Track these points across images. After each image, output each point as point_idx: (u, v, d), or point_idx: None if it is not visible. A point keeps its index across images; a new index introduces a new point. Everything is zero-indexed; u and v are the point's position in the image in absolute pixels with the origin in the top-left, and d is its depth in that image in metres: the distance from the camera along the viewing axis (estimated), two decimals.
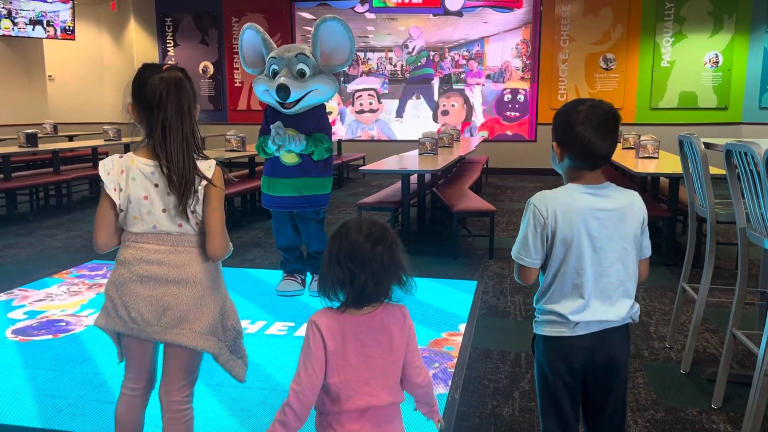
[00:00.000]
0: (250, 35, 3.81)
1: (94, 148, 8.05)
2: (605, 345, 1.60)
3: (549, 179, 9.98)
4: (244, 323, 3.39)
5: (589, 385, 1.64)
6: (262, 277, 4.32)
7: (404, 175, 5.10)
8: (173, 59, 12.00)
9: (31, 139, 6.92)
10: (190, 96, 1.64)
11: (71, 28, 10.52)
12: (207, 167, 1.66)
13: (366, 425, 1.39)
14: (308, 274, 4.04)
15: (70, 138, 9.47)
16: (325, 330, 1.36)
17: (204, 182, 1.64)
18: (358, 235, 1.35)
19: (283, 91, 3.53)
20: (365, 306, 1.39)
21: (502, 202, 7.83)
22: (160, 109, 1.59)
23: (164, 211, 1.64)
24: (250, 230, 6.00)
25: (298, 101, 3.59)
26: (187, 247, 1.68)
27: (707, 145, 2.70)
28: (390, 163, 5.53)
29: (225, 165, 8.02)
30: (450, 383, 2.68)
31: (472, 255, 5.00)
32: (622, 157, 5.92)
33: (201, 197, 1.65)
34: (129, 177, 1.64)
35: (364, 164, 10.12)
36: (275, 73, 3.62)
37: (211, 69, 11.76)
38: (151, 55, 12.11)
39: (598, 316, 1.57)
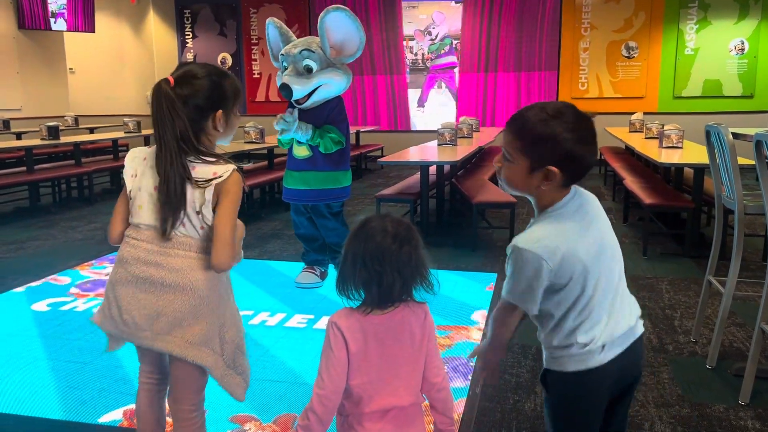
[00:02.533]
0: (271, 30, 3.83)
1: (115, 141, 8.11)
2: (634, 357, 1.45)
3: None
4: (263, 316, 3.40)
5: (613, 400, 1.48)
6: (281, 269, 4.32)
7: (423, 167, 5.06)
8: (192, 51, 12.04)
9: (53, 132, 6.99)
10: (173, 109, 1.51)
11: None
12: (223, 169, 1.54)
13: (388, 426, 1.37)
14: (330, 266, 4.04)
15: (91, 130, 9.56)
16: (346, 331, 1.34)
17: (215, 182, 1.52)
18: (384, 235, 1.33)
19: (284, 90, 3.53)
20: (389, 306, 1.38)
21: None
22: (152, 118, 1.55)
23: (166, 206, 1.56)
24: (270, 222, 6.01)
25: (308, 96, 3.57)
26: (188, 251, 1.56)
27: (735, 135, 2.64)
28: (409, 155, 5.49)
29: (244, 156, 8.03)
30: (470, 377, 2.66)
31: (491, 247, 4.96)
32: (645, 146, 5.82)
33: (210, 198, 1.52)
34: (147, 164, 1.57)
35: (382, 155, 10.09)
36: (285, 70, 3.63)
37: (229, 60, 11.78)
38: (170, 47, 12.17)
39: (623, 327, 1.41)
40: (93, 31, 10.83)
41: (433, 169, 5.55)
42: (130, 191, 1.58)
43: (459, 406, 2.42)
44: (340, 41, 3.60)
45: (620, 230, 5.53)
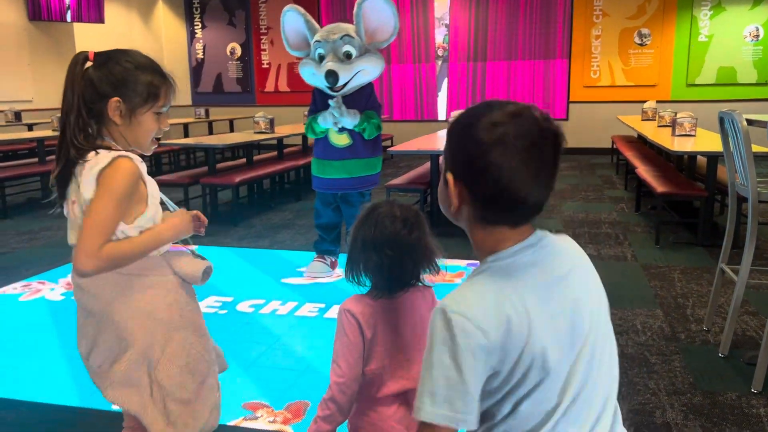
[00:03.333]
0: (292, 17, 3.78)
1: None
2: None
3: (581, 158, 9.81)
4: (274, 304, 3.41)
5: None
6: (292, 259, 4.33)
7: (433, 156, 5.05)
8: (201, 41, 12.05)
9: None
10: (73, 90, 1.39)
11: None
12: (105, 158, 1.35)
13: (401, 409, 1.39)
14: (341, 255, 4.05)
15: None
16: (360, 317, 1.34)
17: (91, 175, 1.33)
18: (393, 220, 1.33)
19: (331, 77, 3.53)
20: (399, 291, 1.39)
21: None
22: None
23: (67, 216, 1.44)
24: (280, 212, 6.02)
25: (346, 84, 3.58)
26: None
27: (750, 122, 2.61)
28: (418, 144, 5.48)
29: (254, 147, 8.03)
30: None
31: None
32: (657, 135, 5.77)
33: (90, 197, 1.34)
34: None
35: (392, 144, 10.07)
36: (321, 57, 3.62)
37: (238, 50, 11.77)
38: (180, 37, 12.18)
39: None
40: (102, 22, 10.85)
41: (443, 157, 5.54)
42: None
43: None
44: (375, 27, 3.61)
45: (632, 219, 5.50)
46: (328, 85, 3.57)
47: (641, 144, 7.66)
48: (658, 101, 8.83)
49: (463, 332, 0.86)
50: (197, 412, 1.42)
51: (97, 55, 1.40)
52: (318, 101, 3.75)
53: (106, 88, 1.38)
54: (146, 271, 1.41)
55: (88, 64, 1.40)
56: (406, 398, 1.39)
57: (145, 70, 1.42)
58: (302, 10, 3.78)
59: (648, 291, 3.55)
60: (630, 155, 6.56)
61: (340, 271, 3.95)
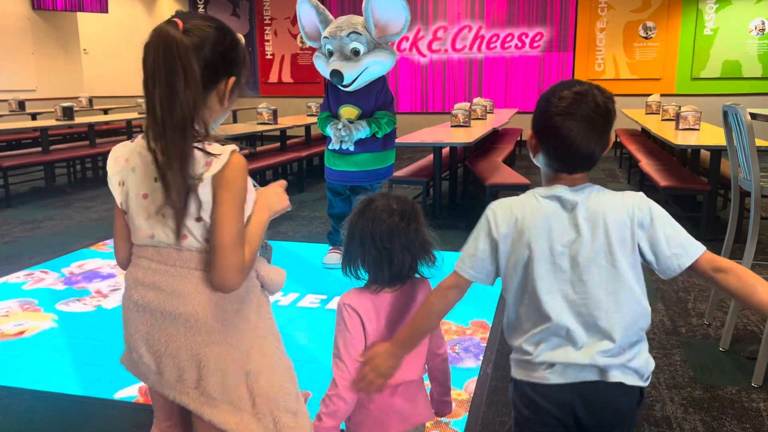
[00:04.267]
0: (304, 9, 3.79)
1: (129, 121, 8.15)
2: (586, 402, 1.21)
3: None
4: (275, 296, 3.42)
5: None
6: (294, 250, 4.34)
7: (436, 148, 5.04)
8: None
9: (68, 113, 7.03)
10: (186, 64, 1.11)
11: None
12: (218, 156, 1.14)
13: (398, 400, 1.39)
14: None
15: (105, 111, 9.61)
16: (361, 311, 1.34)
17: (208, 175, 1.13)
18: (391, 213, 1.33)
19: (336, 76, 3.55)
20: (398, 284, 1.39)
21: (536, 175, 7.64)
22: (146, 81, 1.14)
23: (164, 215, 1.18)
24: None
25: (355, 80, 3.58)
26: (191, 269, 1.19)
27: (753, 116, 2.60)
28: (421, 136, 5.47)
29: (257, 138, 8.03)
30: (482, 357, 2.67)
31: None
32: (661, 128, 5.75)
33: (208, 199, 1.14)
34: (129, 167, 1.22)
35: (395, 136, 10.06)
36: (330, 53, 3.64)
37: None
38: None
39: (586, 359, 1.19)
40: (106, 12, 10.83)
41: (446, 150, 5.53)
42: (120, 204, 1.24)
43: (470, 385, 2.43)
44: (386, 20, 3.60)
45: None
46: (333, 83, 3.58)
47: (645, 138, 7.64)
48: (662, 95, 8.82)
49: (487, 220, 1.26)
50: (302, 425, 1.29)
51: (186, 21, 1.16)
52: (331, 94, 3.78)
53: (222, 66, 1.19)
54: None
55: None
56: (406, 389, 1.40)
57: (233, 33, 1.23)
58: (314, 1, 3.76)
59: (649, 285, 3.55)
60: (633, 149, 6.55)
61: (323, 262, 3.96)
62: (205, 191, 1.14)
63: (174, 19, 1.16)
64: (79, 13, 10.61)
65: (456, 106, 6.37)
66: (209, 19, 1.20)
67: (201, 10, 11.97)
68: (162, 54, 1.11)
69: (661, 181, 4.59)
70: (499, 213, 1.25)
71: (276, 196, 1.30)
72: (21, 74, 9.73)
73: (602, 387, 1.20)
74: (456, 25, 10.73)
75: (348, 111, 3.71)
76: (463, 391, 2.38)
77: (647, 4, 9.85)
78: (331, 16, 3.77)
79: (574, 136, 1.19)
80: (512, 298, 1.28)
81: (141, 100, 8.66)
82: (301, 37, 3.87)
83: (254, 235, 1.22)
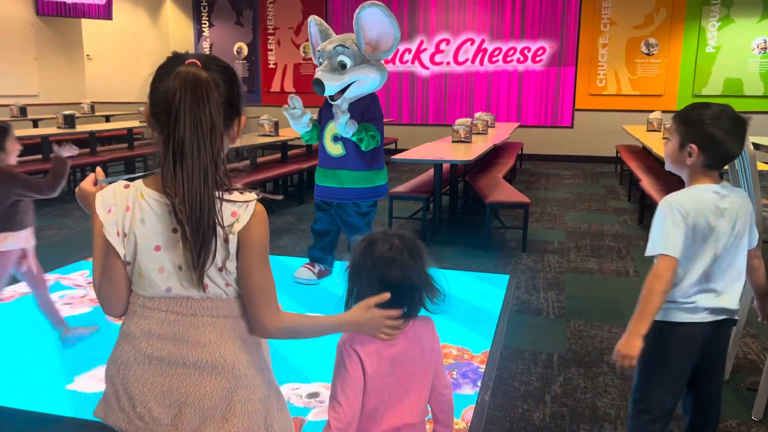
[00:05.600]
0: (312, 29, 3.84)
1: (130, 129, 8.15)
2: (719, 336, 1.77)
3: (585, 167, 9.78)
4: None
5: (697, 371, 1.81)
6: (293, 265, 4.31)
7: (436, 165, 5.03)
8: (208, 40, 12.04)
9: (69, 120, 7.03)
10: (216, 105, 1.10)
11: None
12: (242, 207, 1.15)
13: None
14: (336, 263, 4.05)
15: (107, 118, 9.61)
16: (362, 352, 1.31)
17: (237, 228, 1.14)
18: (398, 251, 1.31)
19: (317, 85, 3.52)
20: (405, 321, 1.36)
21: (537, 190, 7.69)
22: (170, 125, 1.10)
23: (181, 268, 1.16)
24: (282, 216, 6.01)
25: (341, 93, 3.56)
26: (214, 317, 1.19)
27: (756, 146, 2.58)
28: (421, 152, 5.46)
29: (257, 149, 8.03)
30: (479, 384, 2.64)
31: (504, 247, 4.93)
32: (662, 148, 5.73)
33: (234, 249, 1.15)
34: (136, 218, 1.15)
35: (396, 148, 10.06)
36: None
37: (245, 50, 11.77)
38: (187, 35, 12.18)
39: (719, 303, 1.71)
40: (110, 18, 10.85)
41: (446, 165, 5.52)
42: (124, 256, 1.17)
43: (467, 413, 2.41)
44: (376, 37, 3.59)
45: (636, 232, 5.47)
46: (317, 92, 3.56)
47: (646, 155, 7.63)
48: (664, 111, 8.81)
49: (669, 209, 1.66)
50: None
51: (204, 62, 1.14)
52: (323, 109, 3.78)
53: (238, 104, 1.18)
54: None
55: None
56: (411, 429, 1.37)
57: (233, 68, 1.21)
58: (319, 20, 3.82)
59: None
60: (634, 166, 6.54)
61: (332, 280, 3.94)
62: (233, 245, 1.15)
63: (192, 60, 1.13)
64: (82, 20, 10.63)
65: (458, 121, 6.37)
66: (216, 58, 1.19)
67: (205, 19, 12.00)
68: (191, 95, 1.08)
69: None
70: (679, 203, 1.65)
71: (372, 323, 1.31)
72: (24, 80, 9.74)
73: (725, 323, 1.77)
74: (458, 38, 10.74)
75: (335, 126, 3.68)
76: (460, 420, 2.36)
77: (650, 20, 9.86)
78: (333, 33, 3.78)
79: (733, 146, 1.67)
80: (687, 263, 1.68)
81: (142, 108, 8.66)
82: (304, 49, 3.86)
83: (319, 321, 1.32)
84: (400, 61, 11.03)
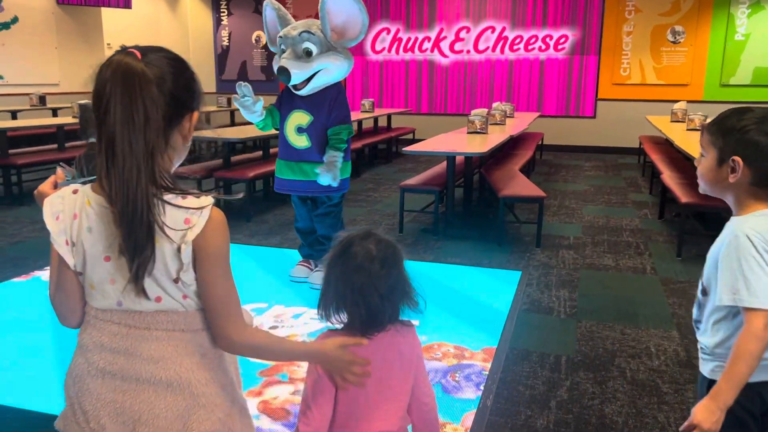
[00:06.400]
0: (268, 13, 3.68)
1: None
2: None
3: (607, 158, 9.57)
4: (277, 309, 3.33)
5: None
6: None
7: (449, 157, 4.91)
8: (227, 28, 12.00)
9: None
10: (152, 99, 1.02)
11: None
12: (197, 214, 1.06)
13: None
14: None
15: None
16: None
17: (190, 236, 1.05)
18: (371, 261, 1.26)
19: (283, 74, 3.38)
20: (376, 332, 1.30)
21: (556, 182, 7.53)
22: (99, 118, 1.03)
23: (134, 281, 1.08)
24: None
25: (307, 82, 3.42)
26: (169, 331, 1.11)
27: None
28: (434, 144, 5.34)
29: (270, 140, 8.01)
30: (482, 387, 2.55)
31: (518, 242, 4.81)
32: (685, 139, 5.56)
33: (188, 259, 1.07)
34: (83, 226, 1.08)
35: (414, 138, 9.94)
36: (284, 52, 3.49)
37: (263, 38, 11.70)
38: (206, 24, 12.15)
39: None
40: (130, 7, 10.86)
41: (461, 157, 5.40)
42: (74, 266, 1.10)
43: (467, 419, 2.32)
44: (342, 24, 3.43)
45: (655, 227, 5.31)
46: (283, 81, 3.42)
47: (669, 147, 7.41)
48: (689, 101, 8.56)
49: (755, 248, 1.31)
50: None
51: (145, 51, 1.06)
52: (284, 98, 3.60)
53: (186, 99, 1.10)
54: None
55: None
56: None
57: (194, 70, 1.14)
58: (276, 4, 3.64)
59: (665, 309, 3.40)
60: (656, 158, 6.35)
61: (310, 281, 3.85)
62: (187, 255, 1.06)
63: (130, 49, 1.06)
64: (102, 9, 10.66)
65: (473, 112, 6.23)
66: (164, 50, 1.10)
67: (224, 8, 11.95)
68: (121, 86, 1.01)
69: (683, 197, 4.41)
70: (761, 235, 1.33)
71: (340, 363, 1.21)
72: (44, 69, 9.80)
73: None
74: (479, 25, 10.54)
75: (299, 116, 3.53)
76: (459, 426, 2.27)
77: (676, 7, 9.57)
78: (291, 19, 3.63)
79: None
80: None
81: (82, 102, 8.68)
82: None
83: (282, 341, 1.24)
84: (420, 49, 10.87)
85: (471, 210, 5.81)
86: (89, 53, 10.75)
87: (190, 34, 12.17)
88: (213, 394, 1.14)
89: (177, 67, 1.08)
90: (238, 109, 3.70)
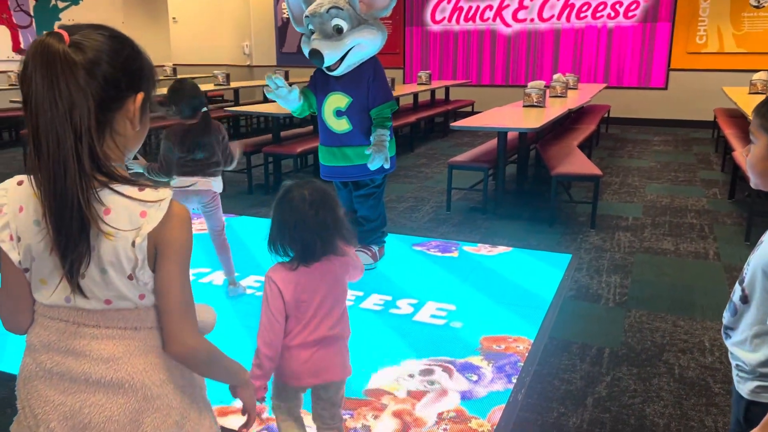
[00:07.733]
0: None
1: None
2: None
3: (678, 132, 9.04)
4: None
5: None
6: None
7: (501, 133, 4.71)
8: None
9: None
10: (79, 82, 0.93)
11: None
12: (154, 207, 0.99)
13: (319, 351, 1.60)
14: (386, 239, 3.80)
15: None
16: (280, 283, 1.56)
17: (145, 231, 0.98)
18: (303, 203, 1.53)
19: (315, 57, 3.22)
20: (313, 261, 1.58)
21: (620, 158, 7.17)
22: (25, 105, 0.95)
23: (83, 276, 1.01)
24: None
25: (340, 61, 3.27)
26: (120, 329, 1.04)
27: None
28: (485, 119, 5.13)
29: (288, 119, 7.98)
30: (514, 380, 2.43)
31: (572, 222, 4.59)
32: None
33: (143, 254, 1.00)
34: (30, 219, 1.00)
35: (472, 110, 9.67)
36: (312, 33, 3.32)
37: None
38: None
39: None
40: None
41: (514, 133, 5.18)
42: (19, 262, 1.02)
43: (495, 414, 2.21)
44: None
45: (724, 208, 4.96)
46: (317, 64, 3.26)
47: (744, 121, 6.90)
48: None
49: None
50: None
51: (74, 33, 0.96)
52: (318, 80, 3.45)
53: (125, 81, 1.00)
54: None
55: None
56: (323, 344, 1.61)
57: (134, 44, 1.04)
58: None
59: (725, 299, 3.14)
60: (729, 133, 5.92)
61: (385, 262, 3.77)
62: (141, 251, 0.99)
63: (57, 30, 0.96)
64: None
65: (530, 84, 5.95)
66: (101, 27, 1.00)
67: None
68: (41, 70, 0.92)
69: None
70: None
71: (250, 399, 1.24)
72: None
73: None
74: None
75: (337, 99, 3.37)
76: (485, 422, 2.17)
77: None
78: None
79: None
80: None
81: (217, 71, 8.75)
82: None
83: (226, 359, 1.16)
84: (481, 18, 10.52)
85: (524, 188, 5.59)
86: (155, 27, 10.97)
87: (251, 9, 12.20)
88: (168, 396, 1.07)
89: (114, 48, 0.98)
90: (291, 83, 3.60)
